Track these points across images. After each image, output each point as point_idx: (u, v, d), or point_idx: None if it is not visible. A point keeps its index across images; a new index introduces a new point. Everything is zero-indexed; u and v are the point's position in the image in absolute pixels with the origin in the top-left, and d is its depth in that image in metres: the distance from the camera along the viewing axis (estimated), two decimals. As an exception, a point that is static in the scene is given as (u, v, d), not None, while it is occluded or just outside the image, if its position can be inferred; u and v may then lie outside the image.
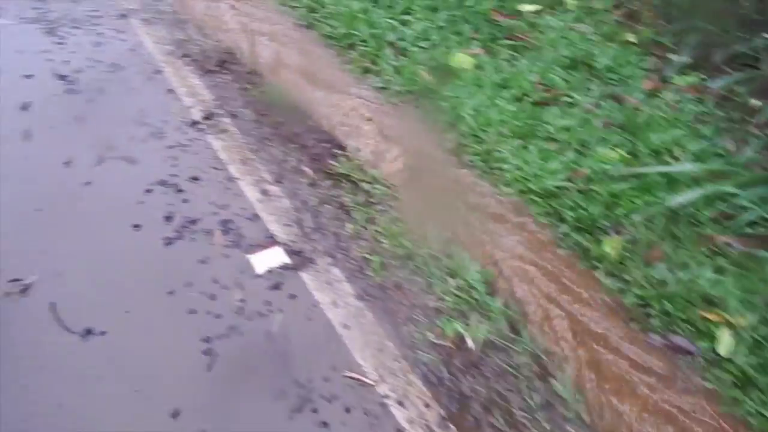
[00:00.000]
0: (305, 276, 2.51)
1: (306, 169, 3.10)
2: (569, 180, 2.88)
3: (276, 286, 2.46)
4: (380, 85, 3.74)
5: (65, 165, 2.96)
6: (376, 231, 2.75)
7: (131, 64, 3.79)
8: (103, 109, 3.37)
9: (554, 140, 3.14)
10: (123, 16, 4.30)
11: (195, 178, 2.97)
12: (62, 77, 3.59)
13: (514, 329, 2.32)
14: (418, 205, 2.91)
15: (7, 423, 1.93)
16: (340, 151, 3.19)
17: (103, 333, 2.22)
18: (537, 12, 4.18)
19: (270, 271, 2.54)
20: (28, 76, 3.56)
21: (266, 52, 3.93)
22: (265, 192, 2.94)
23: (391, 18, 4.25)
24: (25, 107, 3.31)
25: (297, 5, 4.50)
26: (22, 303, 2.33)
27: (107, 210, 2.76)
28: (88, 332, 2.22)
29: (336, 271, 2.55)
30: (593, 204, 2.74)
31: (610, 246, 2.59)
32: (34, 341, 2.19)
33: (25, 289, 2.37)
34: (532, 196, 2.84)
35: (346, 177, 3.03)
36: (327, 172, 3.07)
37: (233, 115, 3.43)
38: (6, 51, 3.77)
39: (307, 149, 3.22)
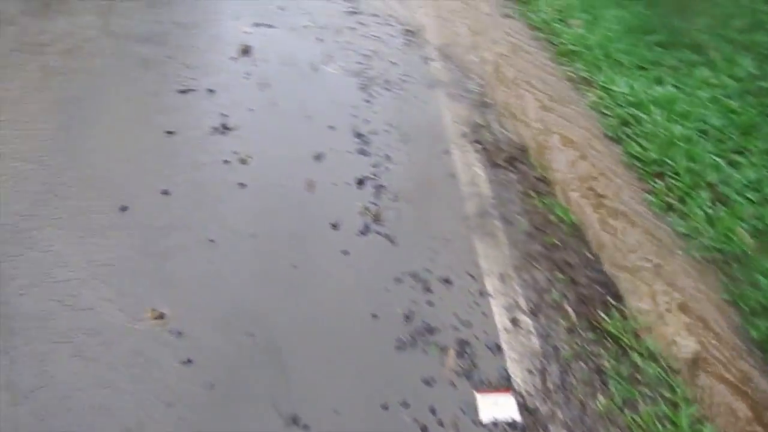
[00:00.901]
0: (532, 450, 2.11)
1: (569, 309, 2.69)
2: None
3: (496, 449, 2.10)
4: (682, 230, 3.17)
5: (332, 227, 3.01)
6: (635, 421, 2.22)
7: (423, 137, 3.81)
8: (383, 178, 3.40)
9: None
10: (431, 86, 4.39)
11: (447, 281, 2.77)
12: (359, 135, 3.74)
13: None
14: (715, 410, 2.30)
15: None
16: (614, 302, 2.72)
17: (306, 427, 2.10)
18: None
19: (495, 424, 2.19)
20: (331, 128, 3.79)
21: (561, 158, 3.63)
22: (515, 321, 2.60)
23: (717, 154, 3.63)
24: (318, 158, 3.50)
25: (609, 114, 4.12)
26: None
27: (353, 287, 2.71)
28: (293, 421, 2.11)
29: (571, 459, 2.09)
30: None
31: None
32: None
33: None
34: None
35: (614, 338, 2.55)
36: (592, 322, 2.63)
37: (507, 221, 3.18)
38: (323, 99, 4.09)
39: (577, 286, 2.81)
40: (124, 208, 2.98)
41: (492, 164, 3.63)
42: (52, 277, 2.58)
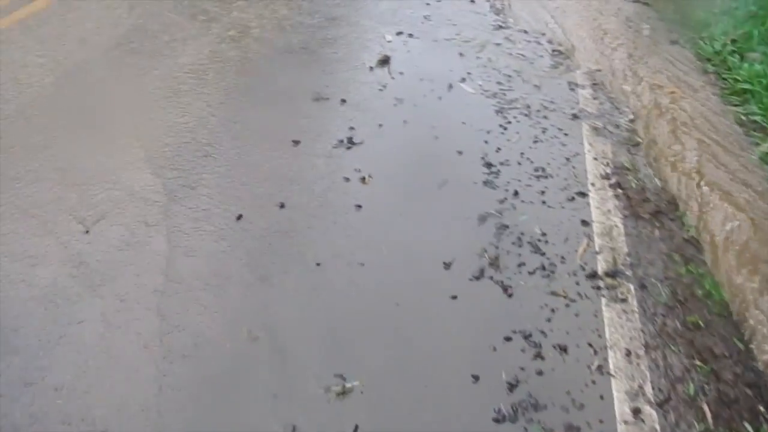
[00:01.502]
0: None
1: (706, 409, 2.29)
2: None
3: None
4: None
5: (444, 266, 2.81)
6: None
7: (558, 174, 3.48)
8: (507, 217, 3.13)
9: None
10: (575, 116, 4.03)
11: (563, 348, 2.47)
12: (488, 165, 3.50)
13: None
14: None
15: None
16: (767, 413, 2.27)
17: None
18: None
19: None
20: (459, 152, 3.58)
21: (718, 220, 3.14)
22: (637, 412, 2.26)
23: None
24: (441, 185, 3.31)
25: (786, 170, 3.53)
26: (335, 405, 2.22)
27: (456, 339, 2.50)
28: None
29: None
30: None
31: None
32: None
33: (343, 393, 2.25)
34: None
35: (761, 458, 2.12)
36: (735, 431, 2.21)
37: (643, 286, 2.79)
38: (455, 119, 3.88)
39: (720, 382, 2.39)
40: (239, 217, 2.99)
41: (633, 215, 3.23)
42: (154, 286, 2.65)
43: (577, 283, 2.81)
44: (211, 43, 4.46)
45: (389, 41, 4.69)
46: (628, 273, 2.88)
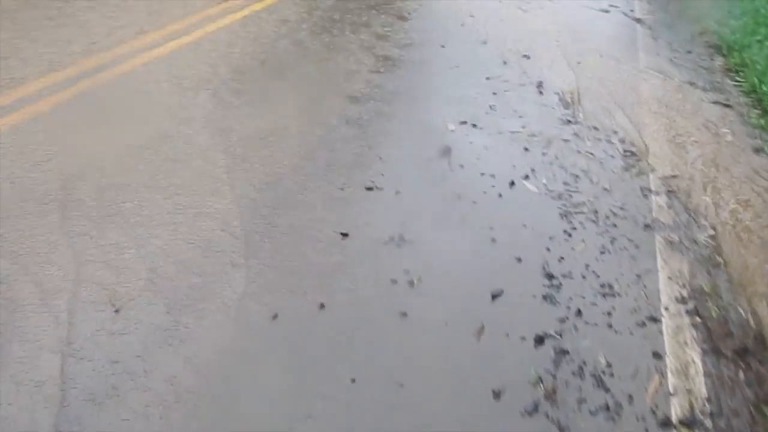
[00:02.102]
0: None
1: None
2: None
3: None
4: None
5: (494, 395, 2.51)
6: None
7: (627, 294, 3.16)
8: (567, 340, 2.82)
9: None
10: (647, 226, 3.72)
11: None
12: (549, 276, 3.22)
13: None
14: None
15: None
16: None
17: None
18: None
19: None
20: (518, 259, 3.32)
21: (817, 365, 2.74)
22: None
23: None
24: (495, 296, 3.04)
25: None
26: None
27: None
28: None
29: None
30: None
31: None
32: None
33: None
34: None
35: None
36: None
37: (723, 442, 2.41)
38: (515, 221, 3.64)
39: None
40: (275, 316, 2.80)
41: (714, 351, 2.85)
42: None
43: (647, 431, 2.45)
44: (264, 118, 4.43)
45: (452, 130, 4.56)
46: (708, 423, 2.49)
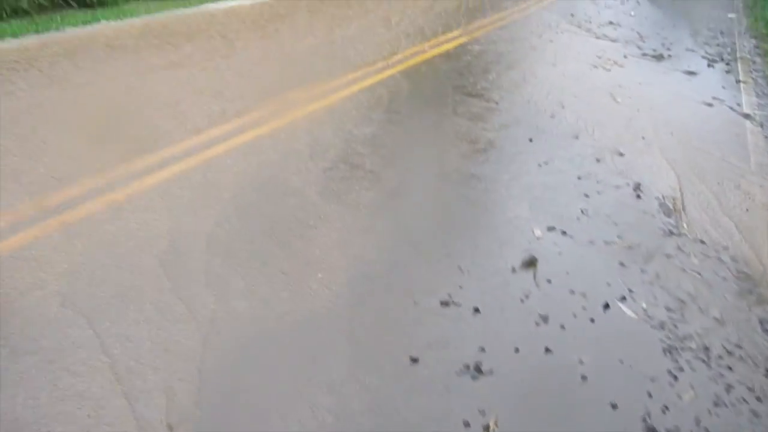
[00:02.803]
0: None
1: None
2: None
3: None
4: None
5: None
6: None
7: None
8: None
9: None
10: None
11: None
12: (651, 431, 2.73)
13: None
14: None
15: None
16: None
17: None
18: None
19: None
20: (613, 406, 2.86)
21: None
22: None
23: None
24: (586, 455, 2.60)
25: None
26: None
27: None
28: None
29: None
30: None
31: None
32: None
33: None
34: None
35: None
36: None
37: None
38: (610, 354, 3.20)
39: None
40: (330, 460, 2.49)
41: None
42: None
43: None
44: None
45: (538, 237, 4.20)
46: None
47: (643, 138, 6.21)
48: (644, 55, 9.40)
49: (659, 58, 9.30)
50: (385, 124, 5.69)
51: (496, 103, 6.66)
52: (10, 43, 6.52)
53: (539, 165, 5.29)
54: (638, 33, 10.82)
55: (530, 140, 5.78)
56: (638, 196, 4.94)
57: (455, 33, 9.11)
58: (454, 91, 6.83)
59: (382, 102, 6.19)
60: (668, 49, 9.85)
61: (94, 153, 4.43)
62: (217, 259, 3.53)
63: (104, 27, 7.50)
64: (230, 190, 4.22)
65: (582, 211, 4.61)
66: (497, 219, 4.44)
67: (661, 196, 4.96)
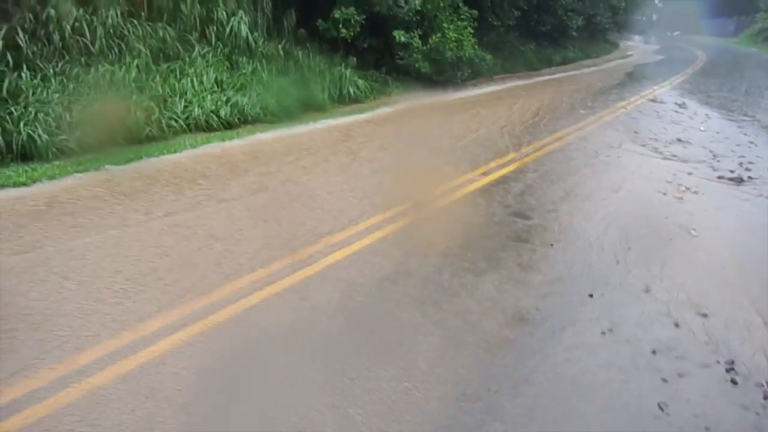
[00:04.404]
0: None
1: None
2: None
3: None
4: None
5: None
6: None
7: None
8: None
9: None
10: None
11: None
12: None
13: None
14: None
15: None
16: None
17: None
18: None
19: None
20: None
21: None
22: None
23: None
24: None
25: None
26: None
27: None
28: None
29: None
30: None
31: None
32: None
33: None
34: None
35: None
36: None
37: None
38: None
39: None
40: None
41: None
42: None
43: None
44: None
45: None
46: None
47: (730, 287, 5.12)
48: (720, 177, 8.37)
49: (738, 181, 8.24)
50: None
51: (552, 244, 5.78)
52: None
53: (601, 334, 4.26)
54: (711, 151, 9.84)
55: (590, 296, 4.81)
56: (734, 382, 3.81)
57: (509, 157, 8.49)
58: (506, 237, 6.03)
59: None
60: (747, 169, 8.77)
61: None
62: None
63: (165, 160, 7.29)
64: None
65: (661, 408, 3.54)
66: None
67: (764, 383, 3.83)
